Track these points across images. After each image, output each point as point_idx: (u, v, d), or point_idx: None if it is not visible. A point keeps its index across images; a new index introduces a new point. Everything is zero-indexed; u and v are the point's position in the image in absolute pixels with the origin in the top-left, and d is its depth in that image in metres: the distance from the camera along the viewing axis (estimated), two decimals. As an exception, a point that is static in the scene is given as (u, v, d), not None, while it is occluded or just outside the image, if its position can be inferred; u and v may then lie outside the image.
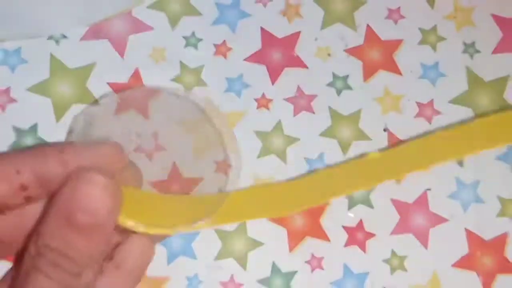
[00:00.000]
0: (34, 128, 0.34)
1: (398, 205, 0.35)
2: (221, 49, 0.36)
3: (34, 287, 0.23)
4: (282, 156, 0.35)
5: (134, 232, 0.27)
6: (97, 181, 0.24)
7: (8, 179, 0.25)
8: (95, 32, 0.36)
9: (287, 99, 0.36)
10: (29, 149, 0.26)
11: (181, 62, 0.36)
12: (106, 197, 0.24)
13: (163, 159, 0.31)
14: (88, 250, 0.24)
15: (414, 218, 0.35)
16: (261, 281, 0.33)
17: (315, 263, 0.34)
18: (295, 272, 0.34)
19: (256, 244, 0.34)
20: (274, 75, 0.36)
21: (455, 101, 0.36)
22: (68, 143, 0.27)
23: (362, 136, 0.36)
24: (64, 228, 0.24)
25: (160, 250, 0.33)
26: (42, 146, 0.26)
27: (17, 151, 0.28)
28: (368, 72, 0.36)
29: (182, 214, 0.29)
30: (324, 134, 0.35)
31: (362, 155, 0.34)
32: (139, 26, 0.36)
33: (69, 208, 0.24)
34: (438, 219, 0.35)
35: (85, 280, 0.24)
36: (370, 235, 0.34)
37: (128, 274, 0.27)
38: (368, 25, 0.37)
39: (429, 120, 0.36)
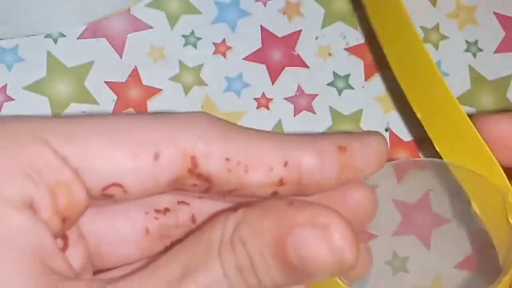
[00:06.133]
0: (31, 127, 0.34)
1: (400, 205, 0.34)
2: (221, 48, 0.36)
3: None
4: (282, 156, 0.34)
5: None
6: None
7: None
8: (93, 31, 0.35)
9: (287, 99, 0.35)
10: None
11: (180, 61, 0.35)
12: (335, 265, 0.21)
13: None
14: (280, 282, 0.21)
15: (416, 219, 0.34)
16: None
17: (316, 264, 0.33)
18: (296, 273, 0.33)
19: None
20: (274, 74, 0.36)
21: (458, 100, 0.36)
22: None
23: (363, 136, 0.35)
24: (274, 257, 0.21)
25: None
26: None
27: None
28: (370, 71, 0.36)
29: None
30: (324, 134, 0.35)
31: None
32: (138, 25, 0.36)
33: (288, 249, 0.21)
34: (441, 220, 0.34)
35: None
36: (372, 236, 0.34)
37: None
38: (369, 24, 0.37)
39: (431, 119, 0.36)
